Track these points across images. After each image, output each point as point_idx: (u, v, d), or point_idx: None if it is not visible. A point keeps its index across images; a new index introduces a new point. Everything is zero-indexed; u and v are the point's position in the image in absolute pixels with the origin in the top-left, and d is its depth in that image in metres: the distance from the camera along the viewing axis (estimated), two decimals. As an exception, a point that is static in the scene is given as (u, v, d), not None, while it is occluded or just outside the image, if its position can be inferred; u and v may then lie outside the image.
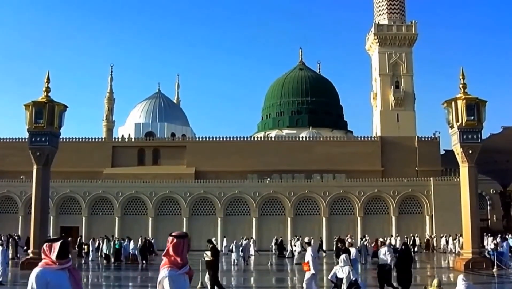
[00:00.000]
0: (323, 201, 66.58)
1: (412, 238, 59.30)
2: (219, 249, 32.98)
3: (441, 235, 61.58)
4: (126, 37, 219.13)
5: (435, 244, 62.20)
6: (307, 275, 19.82)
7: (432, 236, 63.08)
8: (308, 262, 19.88)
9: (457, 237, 57.82)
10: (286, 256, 50.27)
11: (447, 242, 58.95)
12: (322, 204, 66.65)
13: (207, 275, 21.51)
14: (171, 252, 6.66)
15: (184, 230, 64.12)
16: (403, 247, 23.01)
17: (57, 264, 6.42)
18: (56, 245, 6.46)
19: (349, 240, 24.29)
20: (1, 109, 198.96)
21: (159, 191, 66.83)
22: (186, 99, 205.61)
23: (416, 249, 56.40)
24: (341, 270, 19.73)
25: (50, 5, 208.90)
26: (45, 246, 6.51)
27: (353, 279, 19.17)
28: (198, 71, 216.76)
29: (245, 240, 47.52)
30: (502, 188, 75.07)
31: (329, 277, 21.17)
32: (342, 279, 19.63)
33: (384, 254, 21.95)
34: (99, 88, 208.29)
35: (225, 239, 58.59)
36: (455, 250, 55.11)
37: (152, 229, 65.38)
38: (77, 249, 50.25)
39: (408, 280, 21.22)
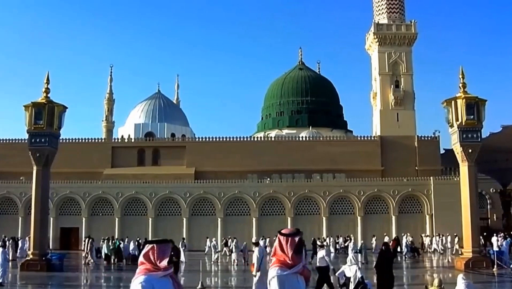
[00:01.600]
0: (323, 201, 66.59)
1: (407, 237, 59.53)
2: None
3: (425, 235, 61.85)
4: (125, 37, 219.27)
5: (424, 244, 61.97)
6: (256, 277, 19.57)
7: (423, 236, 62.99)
8: (254, 264, 19.54)
9: (441, 236, 58.12)
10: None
11: (431, 241, 59.32)
12: (322, 204, 66.66)
13: (256, 277, 20.68)
14: (279, 251, 6.17)
15: (184, 231, 64.31)
16: (383, 247, 22.09)
17: (162, 270, 5.74)
18: (168, 250, 5.81)
19: (319, 242, 23.76)
20: (0, 110, 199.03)
21: (159, 191, 66.80)
22: (186, 100, 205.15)
23: (400, 249, 56.75)
24: (349, 269, 19.72)
25: (50, 6, 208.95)
26: (149, 248, 5.80)
27: (360, 277, 19.15)
28: (198, 72, 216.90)
29: (231, 240, 47.39)
30: (502, 187, 75.04)
31: (337, 274, 21.15)
32: (350, 278, 19.64)
33: (322, 257, 21.10)
34: (98, 89, 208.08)
35: (208, 239, 57.47)
36: (439, 250, 55.98)
37: (152, 229, 65.38)
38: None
39: (390, 281, 20.63)
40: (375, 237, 57.74)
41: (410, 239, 55.21)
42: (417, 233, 62.71)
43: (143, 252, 5.86)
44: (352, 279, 19.32)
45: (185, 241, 54.08)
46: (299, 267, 6.07)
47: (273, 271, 6.09)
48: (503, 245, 40.41)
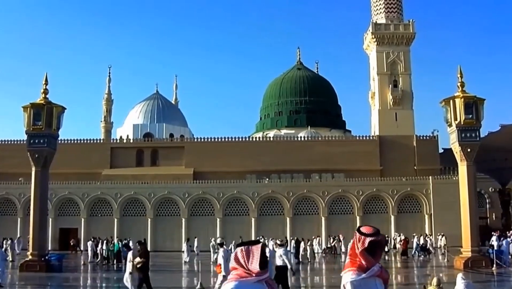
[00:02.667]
0: (322, 201, 66.60)
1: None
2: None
3: (413, 235, 61.81)
4: (124, 38, 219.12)
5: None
6: (219, 277, 19.42)
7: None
8: (220, 264, 19.40)
9: (428, 236, 58.16)
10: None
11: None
12: (321, 204, 66.68)
13: (220, 278, 20.30)
14: (355, 252, 5.68)
15: (183, 231, 64.25)
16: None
17: (255, 275, 5.07)
18: (256, 251, 5.13)
19: (278, 241, 23.38)
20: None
21: (157, 192, 66.80)
22: (184, 100, 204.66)
23: (387, 248, 56.97)
24: None
25: (48, 6, 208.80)
26: (238, 252, 5.16)
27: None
28: (196, 72, 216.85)
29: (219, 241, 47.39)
30: (501, 186, 75.02)
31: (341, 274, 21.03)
32: None
33: (280, 256, 20.52)
34: (97, 90, 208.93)
35: (196, 240, 56.94)
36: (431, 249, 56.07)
37: (151, 230, 65.37)
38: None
39: None
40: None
41: (428, 238, 56.04)
42: (417, 232, 62.77)
43: (232, 255, 5.22)
44: None
45: (189, 241, 53.67)
46: (375, 270, 5.62)
47: (347, 276, 5.65)
48: (503, 244, 40.40)
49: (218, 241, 20.75)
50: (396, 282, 29.71)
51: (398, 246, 55.30)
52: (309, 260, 46.23)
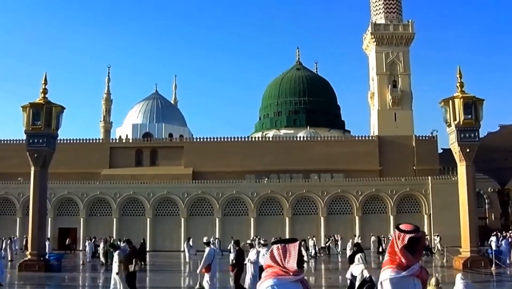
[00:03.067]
0: (321, 201, 66.61)
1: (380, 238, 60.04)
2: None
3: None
4: (123, 38, 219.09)
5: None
6: (205, 277, 19.26)
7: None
8: (209, 265, 19.28)
9: (436, 236, 58.28)
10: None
11: None
12: (320, 204, 66.68)
13: (206, 277, 19.96)
14: (394, 249, 5.48)
15: (182, 230, 64.24)
16: (355, 248, 21.47)
17: (292, 273, 4.98)
18: (293, 249, 5.04)
19: (262, 241, 23.20)
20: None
21: (157, 192, 66.78)
22: (184, 100, 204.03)
23: (381, 249, 57.24)
24: (356, 269, 19.67)
25: (48, 6, 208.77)
26: (274, 250, 5.08)
27: (367, 276, 19.07)
28: (196, 72, 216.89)
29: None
30: (500, 186, 75.06)
31: (347, 276, 21.06)
32: (356, 277, 19.58)
33: (263, 256, 20.00)
34: (96, 89, 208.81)
35: (191, 240, 56.72)
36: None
37: (150, 229, 65.35)
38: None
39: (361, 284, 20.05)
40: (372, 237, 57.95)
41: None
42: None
43: (268, 253, 5.12)
44: (358, 278, 19.29)
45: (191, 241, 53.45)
46: (415, 269, 5.44)
47: (386, 273, 5.48)
48: (502, 245, 40.42)
49: (204, 240, 20.47)
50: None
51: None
52: (306, 259, 46.10)
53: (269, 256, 5.08)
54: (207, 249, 19.67)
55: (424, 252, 51.69)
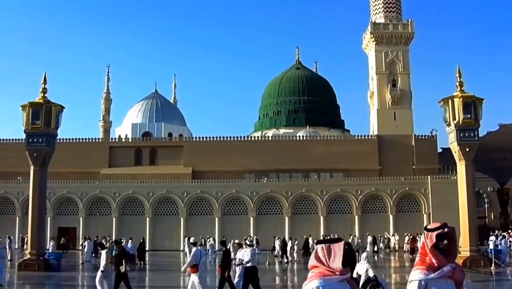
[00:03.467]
0: (320, 200, 66.60)
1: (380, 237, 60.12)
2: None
3: (392, 234, 61.77)
4: (123, 37, 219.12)
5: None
6: (192, 277, 19.07)
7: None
8: (195, 265, 19.10)
9: (405, 235, 58.14)
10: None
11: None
12: (319, 203, 66.67)
13: (192, 277, 19.50)
14: (425, 250, 5.38)
15: (182, 230, 64.23)
16: (346, 248, 21.42)
17: (338, 273, 4.90)
18: (338, 249, 4.97)
19: (247, 241, 23.07)
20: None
21: (156, 191, 66.77)
22: (183, 99, 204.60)
23: (376, 248, 57.34)
24: (360, 267, 19.70)
25: (47, 5, 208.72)
26: (319, 250, 4.99)
27: (372, 276, 19.06)
28: (195, 71, 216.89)
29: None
30: (499, 186, 75.08)
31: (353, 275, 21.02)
32: (361, 275, 19.60)
33: (248, 256, 20.15)
34: (96, 89, 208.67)
35: (186, 239, 56.70)
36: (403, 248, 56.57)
37: (149, 229, 65.33)
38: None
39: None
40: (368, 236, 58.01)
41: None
42: (416, 232, 62.82)
43: (313, 253, 5.04)
44: (362, 277, 19.32)
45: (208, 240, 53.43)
46: (445, 270, 5.26)
47: (414, 274, 5.36)
48: (501, 244, 40.44)
49: (191, 240, 20.32)
50: (396, 281, 29.69)
51: (406, 245, 55.69)
52: (297, 259, 45.87)
53: (313, 256, 5.01)
54: (193, 249, 19.58)
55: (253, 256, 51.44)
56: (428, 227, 5.46)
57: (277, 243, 50.82)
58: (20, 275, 31.48)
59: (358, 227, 65.19)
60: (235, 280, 20.64)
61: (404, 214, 66.72)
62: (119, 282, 20.46)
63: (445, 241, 5.30)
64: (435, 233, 5.31)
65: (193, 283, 19.14)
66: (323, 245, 5.00)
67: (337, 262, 4.88)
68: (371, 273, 18.43)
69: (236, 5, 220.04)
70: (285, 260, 43.71)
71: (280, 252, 46.82)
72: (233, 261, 21.17)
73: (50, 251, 44.97)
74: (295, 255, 46.11)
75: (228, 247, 27.14)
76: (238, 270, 20.48)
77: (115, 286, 20.40)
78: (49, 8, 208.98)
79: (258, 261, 22.05)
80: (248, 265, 19.95)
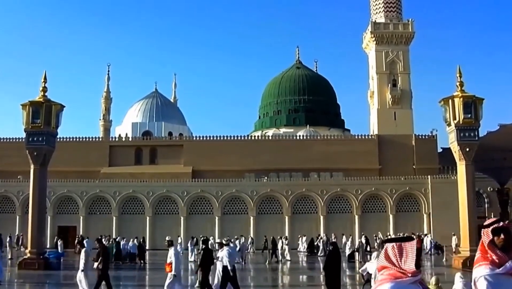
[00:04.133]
0: (320, 200, 66.62)
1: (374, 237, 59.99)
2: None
3: (425, 234, 61.61)
4: (123, 36, 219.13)
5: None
6: (169, 276, 19.02)
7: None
8: (170, 263, 19.03)
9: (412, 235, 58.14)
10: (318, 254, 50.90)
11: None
12: (319, 203, 66.69)
13: (169, 276, 19.50)
14: (484, 248, 5.09)
15: (182, 229, 64.21)
16: (331, 248, 20.65)
17: (410, 275, 4.51)
18: (410, 248, 4.55)
19: (224, 241, 23.00)
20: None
21: (156, 190, 66.80)
22: (183, 99, 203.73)
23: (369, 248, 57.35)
24: (371, 266, 19.74)
25: (48, 5, 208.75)
26: (389, 249, 4.60)
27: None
28: (195, 71, 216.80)
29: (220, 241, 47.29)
30: (499, 186, 74.99)
31: (360, 270, 21.02)
32: (372, 274, 19.66)
33: (226, 255, 20.37)
34: (96, 88, 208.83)
35: (179, 238, 56.77)
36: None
37: (149, 228, 65.37)
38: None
39: (337, 283, 19.54)
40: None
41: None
42: (416, 231, 62.79)
43: (382, 253, 4.66)
44: (373, 275, 19.39)
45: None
46: (508, 267, 4.95)
47: (480, 270, 5.09)
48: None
49: (167, 238, 20.20)
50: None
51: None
52: (288, 258, 45.52)
53: (383, 256, 4.62)
54: (171, 249, 19.43)
55: (435, 250, 51.93)
56: (484, 224, 5.15)
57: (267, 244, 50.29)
58: (20, 274, 31.49)
59: (358, 227, 65.19)
60: (215, 280, 20.59)
61: (404, 213, 66.75)
62: (101, 281, 20.53)
63: (502, 236, 5.03)
64: (491, 228, 5.05)
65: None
66: (394, 244, 4.58)
67: (409, 263, 4.50)
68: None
69: (236, 4, 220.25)
70: (275, 260, 43.55)
71: (269, 251, 46.22)
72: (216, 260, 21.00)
73: (59, 251, 44.96)
74: (287, 254, 45.64)
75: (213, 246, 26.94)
76: (219, 268, 20.47)
77: (96, 285, 20.44)
78: (49, 8, 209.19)
79: (241, 260, 22.03)
80: (226, 264, 20.05)
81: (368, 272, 20.03)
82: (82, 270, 20.38)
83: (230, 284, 19.98)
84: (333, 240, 32.81)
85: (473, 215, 35.52)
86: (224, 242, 21.15)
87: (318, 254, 51.23)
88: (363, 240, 55.64)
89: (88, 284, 20.32)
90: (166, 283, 19.02)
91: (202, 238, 24.02)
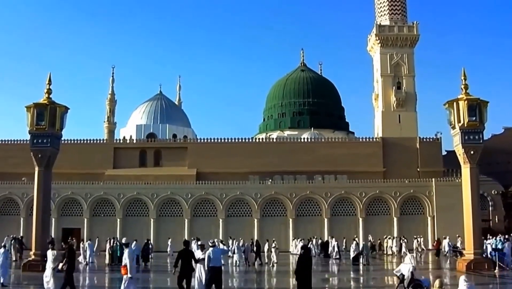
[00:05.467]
0: (324, 202, 66.59)
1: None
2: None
3: (384, 237, 60.61)
4: (127, 38, 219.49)
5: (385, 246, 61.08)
6: (124, 278, 18.89)
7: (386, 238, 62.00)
8: (125, 265, 18.94)
9: (399, 238, 57.72)
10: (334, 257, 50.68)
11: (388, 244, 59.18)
12: (323, 205, 66.66)
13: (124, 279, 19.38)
14: None
15: (186, 231, 64.23)
16: (302, 251, 20.25)
17: None
18: None
19: (210, 242, 22.88)
20: (2, 111, 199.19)
21: (160, 193, 66.87)
22: (188, 101, 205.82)
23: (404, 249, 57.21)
24: (404, 267, 19.80)
25: (52, 6, 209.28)
26: None
27: (415, 276, 19.20)
28: (200, 73, 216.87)
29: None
30: (503, 189, 75.01)
31: (395, 271, 21.12)
32: (404, 275, 19.73)
33: (208, 257, 20.08)
34: (100, 90, 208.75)
35: (169, 241, 56.25)
36: (397, 252, 55.69)
37: (153, 230, 65.43)
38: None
39: (308, 287, 19.20)
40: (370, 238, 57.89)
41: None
42: (420, 234, 62.75)
43: None
44: (406, 277, 19.51)
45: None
46: None
47: None
48: (505, 247, 40.32)
49: (123, 240, 20.09)
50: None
51: (429, 247, 55.91)
52: (275, 261, 44.90)
53: None
54: (126, 251, 19.31)
55: (454, 253, 51.83)
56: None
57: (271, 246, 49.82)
58: (24, 276, 31.50)
59: (362, 229, 65.13)
60: (196, 281, 20.55)
61: (408, 216, 66.69)
62: (67, 283, 20.64)
63: None
64: None
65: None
66: None
67: None
68: (413, 271, 18.68)
69: (241, 7, 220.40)
70: (259, 262, 43.14)
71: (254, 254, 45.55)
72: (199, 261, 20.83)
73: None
74: (273, 257, 44.59)
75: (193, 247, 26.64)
76: (198, 270, 20.41)
77: (62, 286, 20.63)
78: (54, 9, 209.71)
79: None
80: (215, 265, 19.95)
81: (402, 273, 20.12)
82: (53, 268, 20.66)
83: (214, 285, 19.91)
84: (305, 244, 32.03)
85: (478, 218, 35.44)
86: (210, 243, 21.05)
87: (334, 257, 50.68)
88: (369, 242, 55.64)
89: (55, 285, 20.55)
90: (122, 286, 18.92)
91: (184, 240, 23.95)
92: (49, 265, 20.98)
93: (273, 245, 44.95)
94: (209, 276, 19.80)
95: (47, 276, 21.09)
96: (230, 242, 53.23)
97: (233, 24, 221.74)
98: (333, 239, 54.67)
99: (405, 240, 56.09)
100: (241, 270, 39.20)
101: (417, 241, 57.33)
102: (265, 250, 47.09)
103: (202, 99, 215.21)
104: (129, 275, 18.84)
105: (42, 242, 34.42)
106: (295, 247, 59.15)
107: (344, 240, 58.75)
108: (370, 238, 58.89)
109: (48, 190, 36.03)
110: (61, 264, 20.74)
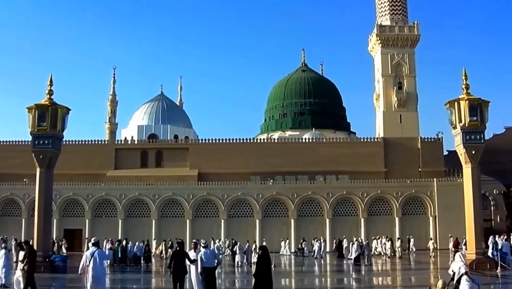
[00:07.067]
0: (326, 202, 66.58)
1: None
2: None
3: (373, 238, 60.08)
4: (128, 39, 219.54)
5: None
6: (89, 278, 18.62)
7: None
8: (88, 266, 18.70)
9: (387, 239, 57.30)
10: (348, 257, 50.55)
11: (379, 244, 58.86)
12: (325, 205, 66.66)
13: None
14: None
15: (188, 232, 64.25)
16: (260, 252, 19.95)
17: None
18: None
19: (202, 243, 22.73)
20: (4, 112, 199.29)
21: (162, 193, 66.90)
22: (189, 101, 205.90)
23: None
24: (455, 265, 20.04)
25: (53, 7, 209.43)
26: None
27: (464, 272, 19.36)
28: (201, 73, 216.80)
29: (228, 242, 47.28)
30: (505, 188, 74.91)
31: (449, 271, 21.38)
32: (455, 273, 19.94)
33: (200, 257, 20.17)
34: (102, 91, 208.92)
35: (169, 241, 54.71)
36: (386, 252, 55.02)
37: (155, 231, 65.44)
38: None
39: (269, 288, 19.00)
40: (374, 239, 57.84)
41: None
42: (422, 234, 62.77)
43: None
44: (456, 273, 19.70)
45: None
46: None
47: None
48: (504, 246, 40.28)
49: (92, 240, 19.95)
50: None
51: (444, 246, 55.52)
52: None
53: None
54: (88, 250, 19.22)
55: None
56: None
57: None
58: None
59: (364, 230, 65.14)
60: (193, 280, 20.59)
61: (410, 216, 66.70)
62: (28, 283, 21.00)
63: None
64: None
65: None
66: None
67: None
68: (463, 270, 18.92)
69: (242, 7, 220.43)
70: (246, 263, 43.01)
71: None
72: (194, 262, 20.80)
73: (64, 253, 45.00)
74: (253, 258, 44.09)
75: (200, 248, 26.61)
76: (193, 269, 20.44)
77: (24, 286, 21.09)
78: (55, 10, 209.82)
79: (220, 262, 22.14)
80: (208, 265, 20.06)
81: (452, 271, 20.38)
82: (21, 269, 21.10)
83: (208, 286, 19.92)
84: (263, 244, 31.65)
85: (479, 218, 35.41)
86: (202, 244, 21.05)
87: (348, 257, 50.39)
88: (370, 243, 55.58)
89: (23, 281, 20.95)
90: (88, 284, 18.84)
91: (178, 240, 23.92)
92: (19, 267, 21.39)
93: (254, 247, 44.78)
94: (203, 277, 19.87)
95: (17, 276, 21.53)
96: (227, 242, 53.38)
97: (234, 24, 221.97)
98: (345, 239, 54.94)
99: (390, 240, 56.09)
100: (243, 270, 39.24)
101: (408, 241, 57.51)
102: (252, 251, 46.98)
103: (204, 99, 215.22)
104: (91, 274, 18.51)
105: (44, 243, 34.47)
106: (283, 248, 59.80)
107: (345, 240, 58.70)
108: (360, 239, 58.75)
109: (49, 191, 36.01)
110: (21, 264, 21.04)
